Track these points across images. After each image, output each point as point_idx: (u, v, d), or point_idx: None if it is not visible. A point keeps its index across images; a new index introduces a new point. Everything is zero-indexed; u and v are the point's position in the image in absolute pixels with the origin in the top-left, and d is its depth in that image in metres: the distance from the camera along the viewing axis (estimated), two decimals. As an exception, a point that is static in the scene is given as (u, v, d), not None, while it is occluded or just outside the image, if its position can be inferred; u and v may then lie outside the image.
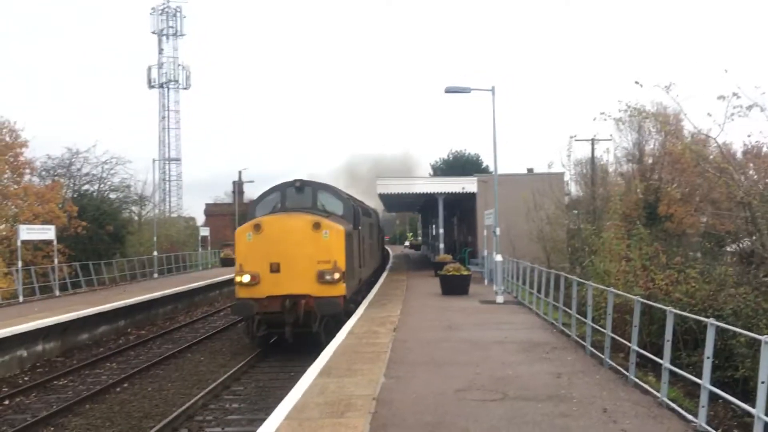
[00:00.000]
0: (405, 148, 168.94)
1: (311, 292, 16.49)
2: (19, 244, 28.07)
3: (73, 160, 46.06)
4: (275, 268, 16.56)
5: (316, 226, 16.74)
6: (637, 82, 17.30)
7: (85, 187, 46.93)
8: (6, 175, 36.13)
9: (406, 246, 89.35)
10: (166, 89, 73.88)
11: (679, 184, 37.20)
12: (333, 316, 16.53)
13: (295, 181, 19.51)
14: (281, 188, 19.62)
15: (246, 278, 16.55)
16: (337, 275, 16.52)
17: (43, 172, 44.36)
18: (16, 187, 36.20)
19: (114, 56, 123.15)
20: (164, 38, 74.12)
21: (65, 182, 44.86)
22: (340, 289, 16.76)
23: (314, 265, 16.54)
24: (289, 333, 16.35)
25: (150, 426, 11.76)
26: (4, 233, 34.74)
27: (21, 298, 26.46)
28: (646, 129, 38.54)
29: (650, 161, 39.39)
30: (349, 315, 17.40)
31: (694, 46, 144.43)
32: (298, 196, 19.22)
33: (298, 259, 16.54)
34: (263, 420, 8.39)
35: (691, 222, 36.78)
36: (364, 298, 21.96)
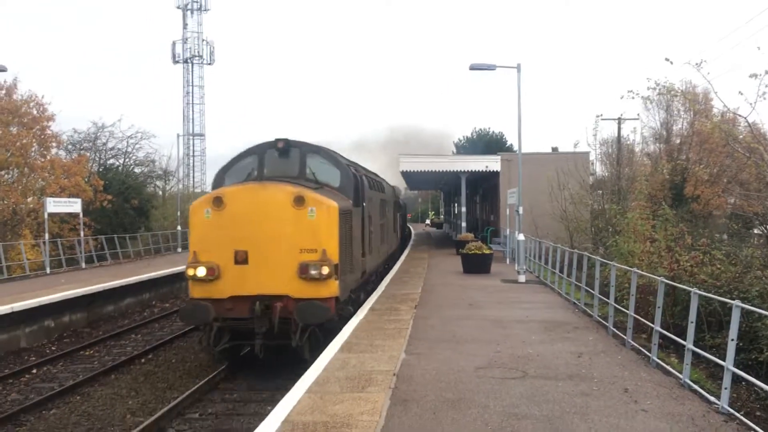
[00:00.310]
0: (442, 124, 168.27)
1: (290, 292, 12.14)
2: (46, 216, 28.60)
3: (99, 134, 46.66)
4: (241, 259, 12.23)
5: (299, 200, 12.22)
6: (667, 59, 16.92)
7: (111, 161, 47.56)
8: (33, 149, 36.68)
9: (427, 224, 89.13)
10: (190, 64, 74.03)
11: (707, 165, 36.70)
12: (320, 325, 12.30)
13: (278, 140, 14.30)
14: (259, 151, 14.54)
15: (201, 271, 12.21)
16: (326, 269, 12.04)
17: (70, 146, 45.06)
18: (43, 160, 36.77)
19: (140, 32, 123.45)
20: (189, 13, 74.12)
21: (91, 156, 45.49)
22: (331, 288, 12.33)
23: (295, 255, 12.14)
24: (259, 347, 12.21)
25: (174, 396, 11.98)
26: (32, 206, 35.38)
27: (48, 270, 26.97)
28: (674, 108, 37.99)
29: (678, 141, 38.86)
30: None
31: (726, 23, 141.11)
32: (281, 161, 14.34)
33: (274, 245, 12.20)
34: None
35: (718, 203, 36.33)
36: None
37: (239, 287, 12.29)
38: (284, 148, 14.27)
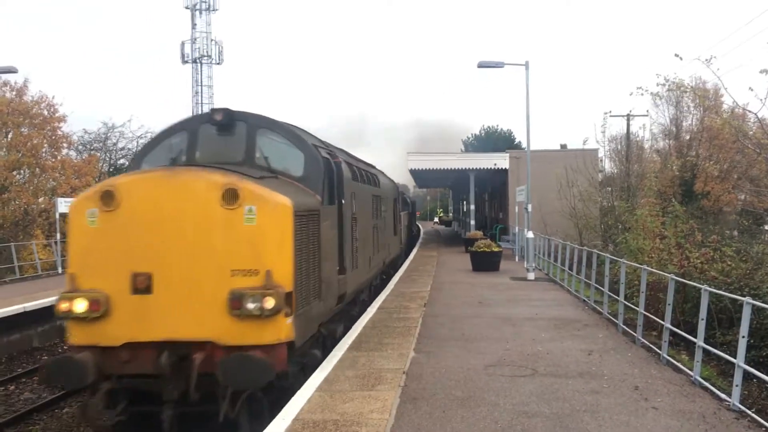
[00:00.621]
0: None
1: (216, 337, 7.83)
2: (57, 216, 28.79)
3: (109, 134, 46.87)
4: (142, 286, 7.89)
5: (230, 195, 7.99)
6: (676, 55, 16.87)
7: (121, 161, 47.72)
8: (44, 149, 36.94)
9: (435, 222, 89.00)
10: (199, 64, 74.24)
11: (717, 161, 36.51)
12: (262, 387, 7.84)
13: (214, 111, 9.99)
14: (189, 126, 10.19)
15: (80, 305, 7.85)
16: (270, 301, 7.75)
17: (80, 147, 45.28)
18: (53, 160, 37.02)
19: (149, 32, 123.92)
20: (197, 13, 74.31)
21: (101, 156, 45.72)
22: (279, 330, 7.95)
23: (224, 280, 7.87)
24: (169, 421, 7.75)
25: None
26: (43, 206, 35.63)
27: (60, 270, 27.13)
28: (684, 104, 37.80)
29: (687, 137, 38.68)
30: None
31: (735, 19, 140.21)
32: (220, 140, 9.95)
33: (191, 265, 7.93)
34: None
35: (729, 199, 36.16)
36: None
37: (139, 329, 7.84)
38: (224, 121, 9.73)
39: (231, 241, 7.94)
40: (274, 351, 7.87)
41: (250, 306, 7.71)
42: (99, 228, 8.08)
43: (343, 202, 11.39)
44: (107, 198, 8.04)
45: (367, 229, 14.74)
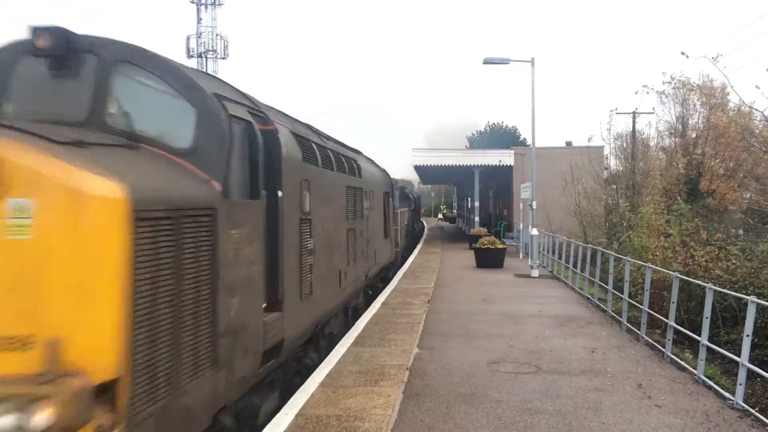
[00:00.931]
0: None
1: None
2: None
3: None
4: None
5: None
6: (683, 53, 16.95)
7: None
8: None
9: (439, 219, 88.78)
10: (204, 59, 74.28)
11: (723, 159, 36.40)
12: None
13: (38, 32, 5.44)
14: (6, 57, 5.66)
15: None
16: (45, 413, 3.54)
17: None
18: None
19: (154, 26, 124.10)
20: (202, 8, 74.35)
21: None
22: None
23: None
24: None
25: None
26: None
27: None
28: (690, 102, 37.66)
29: (693, 135, 38.55)
30: None
31: (741, 16, 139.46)
32: (52, 83, 5.61)
33: None
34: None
35: (734, 198, 36.03)
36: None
37: None
38: (56, 51, 5.55)
39: None
40: None
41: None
42: None
43: (280, 194, 7.21)
44: None
45: (336, 235, 10.67)
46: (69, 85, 5.67)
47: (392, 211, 20.56)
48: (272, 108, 8.43)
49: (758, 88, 15.90)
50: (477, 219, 34.56)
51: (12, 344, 3.84)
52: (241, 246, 6.06)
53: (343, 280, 11.22)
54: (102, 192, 4.06)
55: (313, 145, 9.49)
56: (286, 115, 9.23)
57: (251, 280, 6.32)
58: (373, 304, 14.46)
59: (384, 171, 19.97)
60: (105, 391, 3.95)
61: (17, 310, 3.87)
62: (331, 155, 10.72)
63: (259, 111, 7.18)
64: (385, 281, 18.81)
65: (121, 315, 4.06)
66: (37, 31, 5.50)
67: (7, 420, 3.56)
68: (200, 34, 74.47)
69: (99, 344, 3.96)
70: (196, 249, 5.11)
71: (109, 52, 5.73)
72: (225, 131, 5.83)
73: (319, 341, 10.00)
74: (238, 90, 7.19)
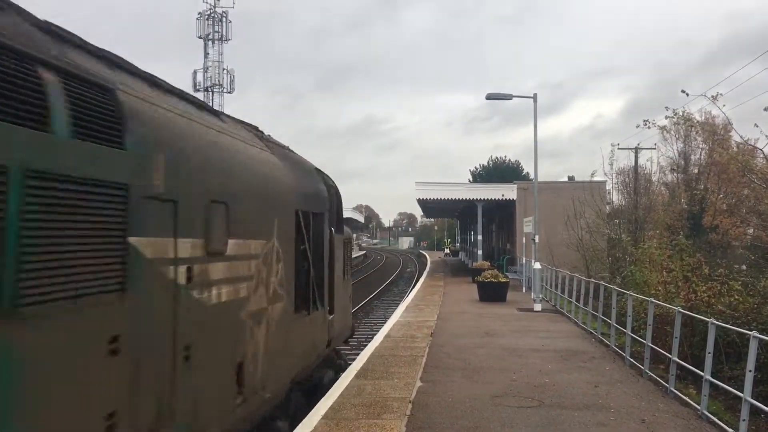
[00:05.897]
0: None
1: None
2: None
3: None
4: None
5: None
6: (683, 91, 17.13)
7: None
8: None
9: (446, 254, 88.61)
10: (210, 93, 75.14)
11: (725, 195, 36.49)
12: None
13: None
14: None
15: None
16: None
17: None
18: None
19: (161, 59, 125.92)
20: (210, 43, 75.46)
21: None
22: None
23: None
24: None
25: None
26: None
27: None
28: (692, 138, 37.91)
29: (696, 171, 38.71)
30: None
31: (743, 56, 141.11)
32: None
33: None
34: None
35: (737, 234, 35.98)
36: None
37: None
38: None
39: None
40: None
41: None
42: None
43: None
44: None
45: None
46: None
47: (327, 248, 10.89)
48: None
49: (757, 126, 16.06)
50: (480, 252, 34.59)
51: None
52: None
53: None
54: None
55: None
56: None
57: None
58: (375, 337, 14.46)
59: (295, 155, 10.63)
60: None
61: None
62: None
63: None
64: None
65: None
66: None
67: None
68: (207, 68, 75.49)
69: None
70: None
71: None
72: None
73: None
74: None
